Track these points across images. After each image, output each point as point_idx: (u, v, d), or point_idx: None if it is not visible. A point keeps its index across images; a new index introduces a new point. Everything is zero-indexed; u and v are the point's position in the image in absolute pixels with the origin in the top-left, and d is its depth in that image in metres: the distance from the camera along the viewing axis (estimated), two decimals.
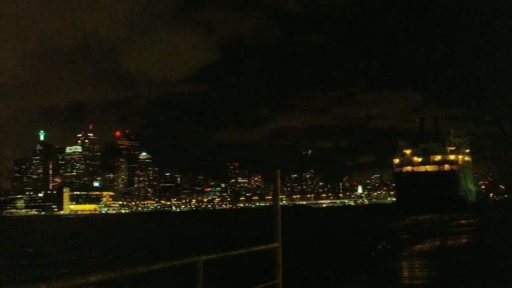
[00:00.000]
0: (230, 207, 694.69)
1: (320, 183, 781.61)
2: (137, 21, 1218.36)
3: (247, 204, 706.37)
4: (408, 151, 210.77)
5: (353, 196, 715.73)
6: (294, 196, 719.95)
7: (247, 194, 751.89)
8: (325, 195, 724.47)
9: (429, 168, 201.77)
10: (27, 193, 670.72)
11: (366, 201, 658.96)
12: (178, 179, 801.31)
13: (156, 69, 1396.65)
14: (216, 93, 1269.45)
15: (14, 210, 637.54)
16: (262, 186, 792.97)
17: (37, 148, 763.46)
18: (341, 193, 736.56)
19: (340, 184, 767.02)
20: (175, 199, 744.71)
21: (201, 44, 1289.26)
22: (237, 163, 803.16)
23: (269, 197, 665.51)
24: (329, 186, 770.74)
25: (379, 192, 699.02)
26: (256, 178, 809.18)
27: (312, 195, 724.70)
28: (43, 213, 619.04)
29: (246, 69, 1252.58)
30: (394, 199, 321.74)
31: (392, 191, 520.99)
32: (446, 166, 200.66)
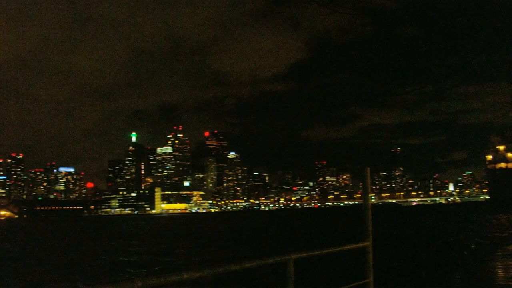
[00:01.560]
0: (319, 206, 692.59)
1: (410, 181, 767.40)
2: (226, 20, 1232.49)
3: (335, 203, 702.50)
4: (501, 147, 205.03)
5: (444, 194, 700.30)
6: (383, 194, 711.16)
7: (335, 193, 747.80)
8: (415, 193, 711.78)
9: None
10: (121, 192, 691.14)
11: (457, 199, 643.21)
12: (267, 178, 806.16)
13: (245, 68, 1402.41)
14: (305, 91, 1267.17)
15: (109, 209, 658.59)
16: (351, 184, 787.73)
17: (129, 149, 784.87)
18: (431, 191, 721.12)
19: (431, 181, 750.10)
20: (263, 198, 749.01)
21: (290, 41, 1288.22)
22: (325, 162, 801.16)
23: (357, 195, 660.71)
24: (419, 184, 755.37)
25: (471, 190, 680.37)
26: (344, 176, 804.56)
27: (402, 193, 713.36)
28: (135, 212, 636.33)
29: (335, 66, 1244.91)
30: (487, 197, 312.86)
31: (485, 189, 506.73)
32: None
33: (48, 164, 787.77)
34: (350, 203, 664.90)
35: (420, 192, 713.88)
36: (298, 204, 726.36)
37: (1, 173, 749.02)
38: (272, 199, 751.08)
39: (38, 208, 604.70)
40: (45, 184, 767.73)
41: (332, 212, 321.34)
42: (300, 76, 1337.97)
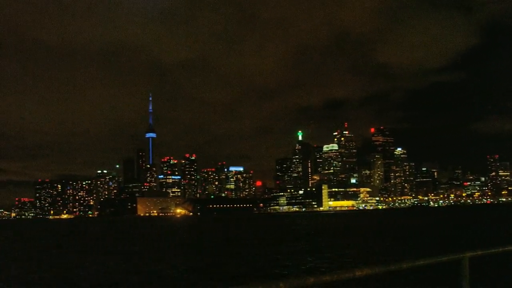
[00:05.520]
0: (491, 202, 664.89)
1: None
2: (391, 9, 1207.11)
3: (509, 199, 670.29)
4: None
5: None
6: None
7: (509, 188, 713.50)
8: None
9: None
10: (289, 190, 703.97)
11: None
12: (435, 173, 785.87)
13: (412, 58, 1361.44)
14: (477, 80, 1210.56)
15: (277, 207, 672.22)
16: None
17: (296, 148, 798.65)
18: None
19: None
20: (432, 194, 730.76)
21: (460, 28, 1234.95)
22: (497, 155, 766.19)
23: None
24: None
25: None
26: None
27: None
28: (303, 209, 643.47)
29: (510, 52, 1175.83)
30: None
31: None
32: None
33: (219, 163, 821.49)
34: None
35: None
36: (469, 200, 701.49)
37: (176, 173, 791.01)
38: (441, 196, 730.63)
39: (211, 206, 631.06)
40: (216, 183, 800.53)
41: (507, 209, 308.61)
42: (471, 64, 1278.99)
